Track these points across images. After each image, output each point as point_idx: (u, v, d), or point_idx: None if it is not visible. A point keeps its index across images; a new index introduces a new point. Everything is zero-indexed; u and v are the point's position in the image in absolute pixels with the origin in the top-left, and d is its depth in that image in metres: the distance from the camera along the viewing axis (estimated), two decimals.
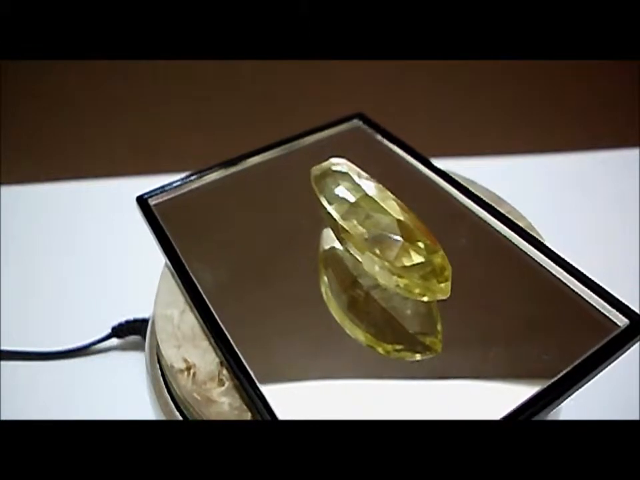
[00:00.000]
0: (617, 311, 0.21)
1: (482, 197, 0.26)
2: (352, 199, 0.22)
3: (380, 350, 0.21)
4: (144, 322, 0.32)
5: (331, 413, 0.19)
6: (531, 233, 0.25)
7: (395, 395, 0.20)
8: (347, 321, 0.22)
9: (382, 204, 0.22)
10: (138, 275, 0.33)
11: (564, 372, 0.19)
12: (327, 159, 0.24)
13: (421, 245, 0.21)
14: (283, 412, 0.19)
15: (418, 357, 0.21)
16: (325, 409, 0.19)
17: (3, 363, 0.33)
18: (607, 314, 0.21)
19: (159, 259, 0.28)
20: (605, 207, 0.43)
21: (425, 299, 0.21)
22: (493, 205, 0.26)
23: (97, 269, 0.40)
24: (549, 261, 0.23)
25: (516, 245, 0.24)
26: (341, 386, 0.20)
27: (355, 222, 0.22)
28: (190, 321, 0.23)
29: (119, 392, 0.31)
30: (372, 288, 0.23)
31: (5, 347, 0.34)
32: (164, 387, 0.24)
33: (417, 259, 0.21)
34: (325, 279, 0.24)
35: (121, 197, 0.46)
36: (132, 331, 0.33)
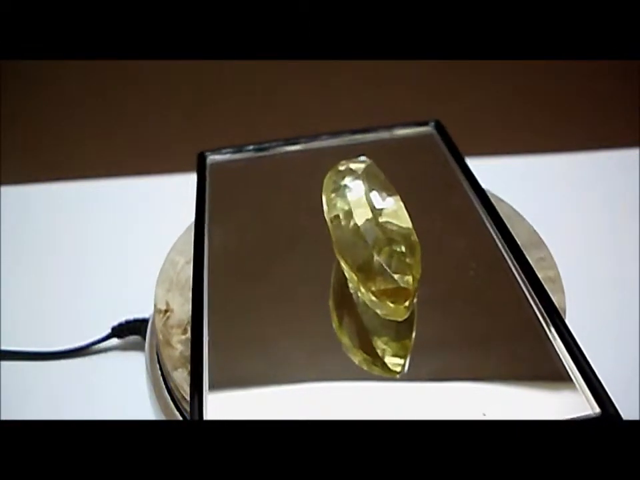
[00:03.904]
0: (595, 398, 0.19)
1: (516, 239, 0.24)
2: (350, 202, 0.22)
3: (351, 356, 0.21)
4: (144, 322, 0.32)
5: (268, 402, 0.19)
6: (549, 287, 0.22)
7: (354, 399, 0.20)
8: (336, 321, 0.22)
9: (379, 214, 0.21)
10: (138, 275, 0.33)
11: None
12: (360, 156, 0.24)
13: (396, 262, 0.20)
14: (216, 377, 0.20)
15: (380, 373, 0.20)
16: (264, 398, 0.20)
17: (3, 363, 0.33)
18: (584, 396, 0.19)
19: (159, 258, 0.28)
20: (605, 207, 0.43)
21: (380, 313, 0.21)
22: (524, 250, 0.24)
23: (96, 269, 0.40)
24: (550, 324, 0.21)
25: (526, 296, 0.22)
26: (290, 373, 0.20)
27: (343, 223, 0.22)
28: (189, 271, 0.24)
29: (119, 392, 0.31)
30: (355, 293, 0.23)
31: (4, 347, 0.34)
32: (164, 387, 0.24)
33: (382, 274, 0.20)
34: (332, 276, 0.24)
35: (120, 196, 0.46)
36: (132, 330, 0.33)
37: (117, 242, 0.42)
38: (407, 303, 0.20)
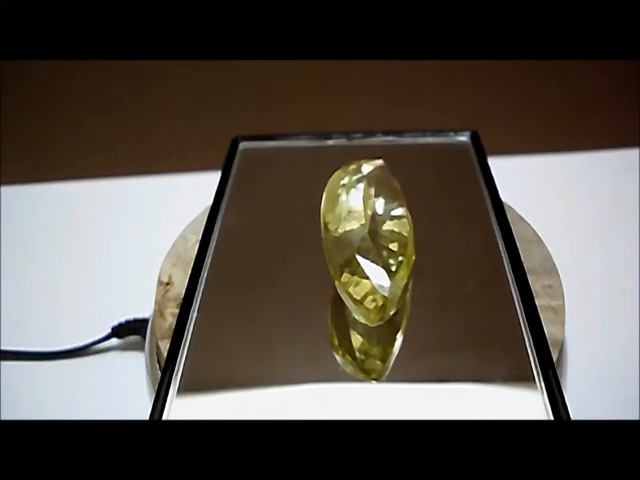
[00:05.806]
0: (551, 406, 0.19)
1: (524, 266, 0.24)
2: (347, 203, 0.22)
3: (337, 358, 0.21)
4: (144, 322, 0.32)
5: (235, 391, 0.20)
6: (549, 317, 0.22)
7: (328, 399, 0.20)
8: (330, 322, 0.22)
9: (376, 219, 0.21)
10: (138, 274, 0.33)
11: None
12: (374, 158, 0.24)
13: (378, 269, 0.20)
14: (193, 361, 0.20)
15: (359, 376, 0.20)
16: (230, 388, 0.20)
17: (3, 363, 0.33)
18: (544, 403, 0.19)
19: (158, 259, 0.28)
20: (605, 207, 0.43)
21: (356, 317, 0.21)
22: (533, 275, 0.24)
23: (96, 269, 0.40)
24: (532, 340, 0.21)
25: (517, 316, 0.22)
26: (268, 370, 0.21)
27: (335, 224, 0.22)
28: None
29: (119, 392, 0.31)
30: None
31: (4, 347, 0.34)
32: None
33: (359, 278, 0.20)
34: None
35: (120, 196, 0.46)
36: (132, 331, 0.33)
37: (117, 242, 0.42)
38: (381, 311, 0.20)
